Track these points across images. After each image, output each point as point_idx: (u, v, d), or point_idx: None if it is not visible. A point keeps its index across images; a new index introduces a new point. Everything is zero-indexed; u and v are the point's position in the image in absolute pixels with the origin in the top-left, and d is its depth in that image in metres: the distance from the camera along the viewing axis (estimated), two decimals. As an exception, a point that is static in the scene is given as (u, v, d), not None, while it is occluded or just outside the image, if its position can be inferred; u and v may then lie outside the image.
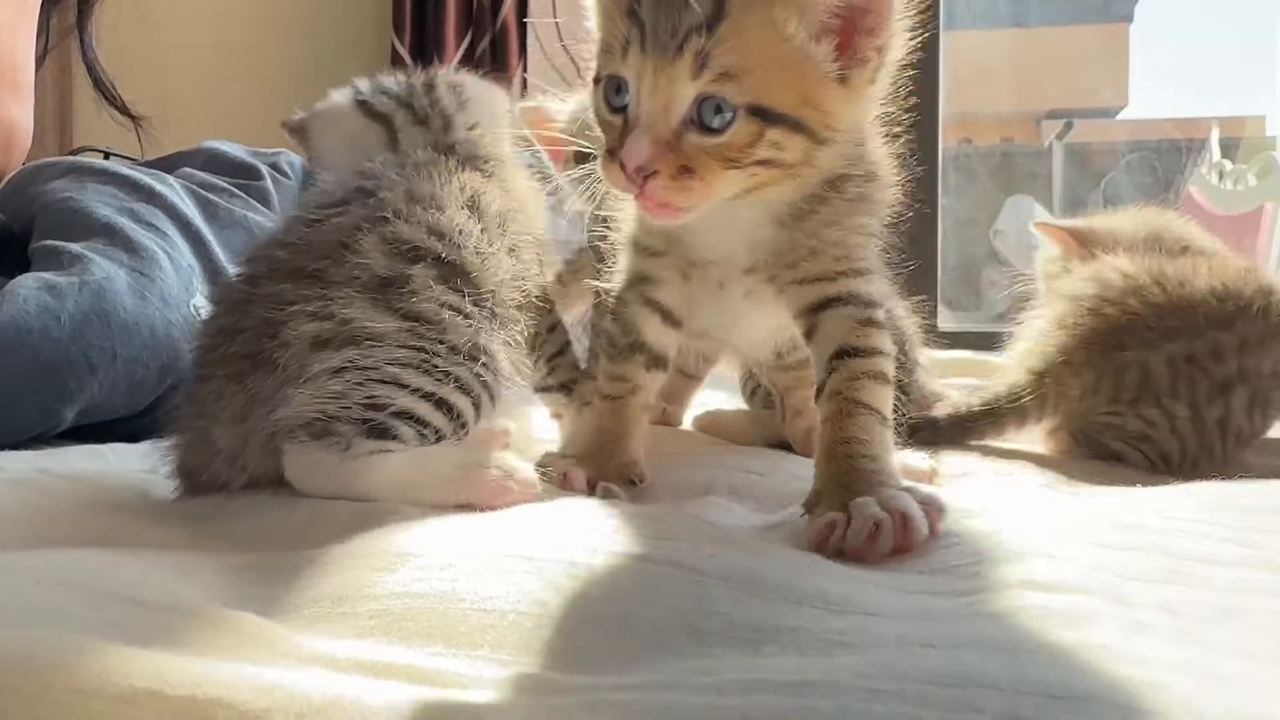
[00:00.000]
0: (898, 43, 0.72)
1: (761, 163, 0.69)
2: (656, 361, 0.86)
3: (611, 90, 0.71)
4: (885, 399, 0.75)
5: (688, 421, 1.19)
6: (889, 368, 0.77)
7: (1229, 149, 3.37)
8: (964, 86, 3.15)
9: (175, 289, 1.14)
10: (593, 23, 0.75)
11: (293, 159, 1.56)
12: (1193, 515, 0.70)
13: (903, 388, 1.03)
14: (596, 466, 0.82)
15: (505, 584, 0.52)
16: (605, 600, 0.50)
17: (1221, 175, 3.22)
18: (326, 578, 0.57)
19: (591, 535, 0.59)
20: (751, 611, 0.50)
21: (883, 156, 0.81)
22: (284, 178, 1.50)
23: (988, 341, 1.73)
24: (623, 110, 0.70)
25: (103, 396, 1.08)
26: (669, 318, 0.85)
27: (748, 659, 0.46)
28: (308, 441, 0.73)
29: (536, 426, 1.08)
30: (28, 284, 1.07)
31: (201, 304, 1.17)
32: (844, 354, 0.76)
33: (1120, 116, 3.99)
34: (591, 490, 0.79)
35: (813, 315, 0.79)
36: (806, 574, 0.56)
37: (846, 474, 0.69)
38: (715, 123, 0.67)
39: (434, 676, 0.44)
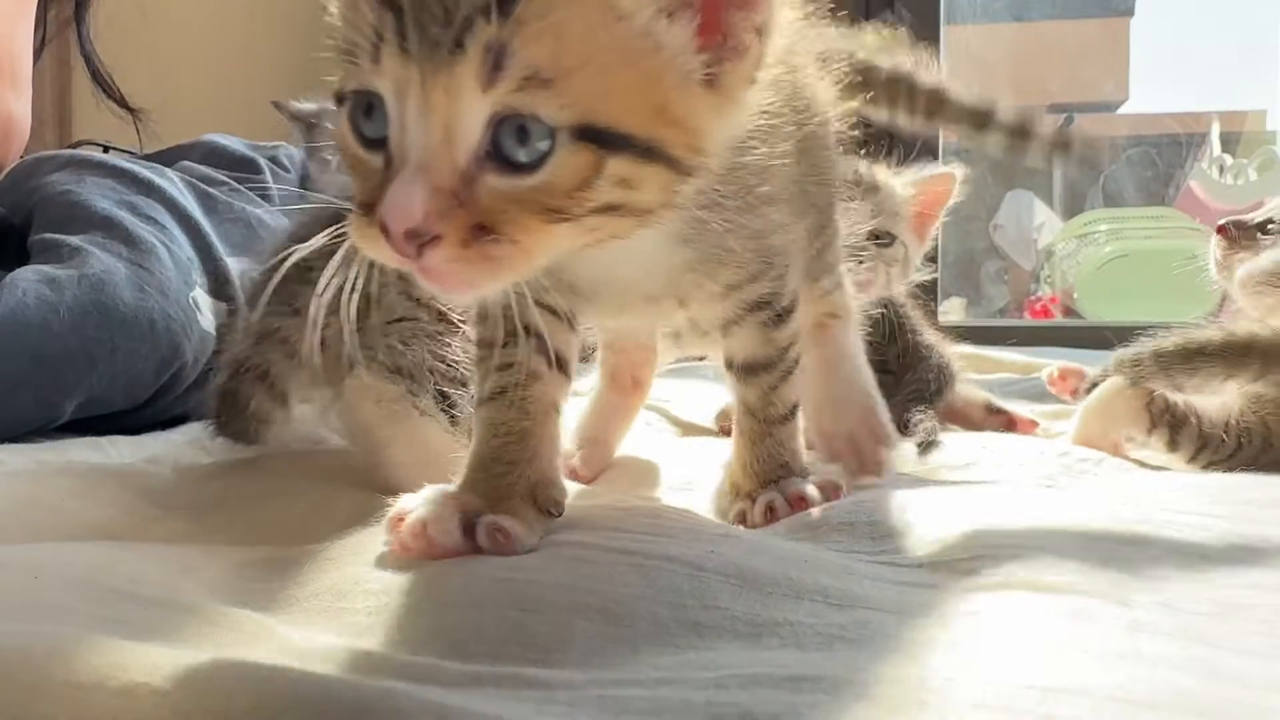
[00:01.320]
0: (785, 21, 0.54)
1: (603, 210, 0.49)
2: (555, 358, 0.65)
3: (360, 114, 0.49)
4: (791, 393, 0.73)
5: (696, 415, 1.20)
6: (794, 348, 0.72)
7: (1229, 143, 3.37)
8: (965, 81, 3.14)
9: (174, 282, 1.14)
10: (332, 13, 0.51)
11: (292, 153, 1.55)
12: (1194, 508, 0.70)
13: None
14: (486, 495, 0.60)
15: (500, 582, 0.51)
16: (602, 595, 0.50)
17: (1222, 169, 3.22)
18: (326, 573, 0.57)
19: (589, 531, 0.59)
20: (751, 606, 0.50)
21: (814, 89, 0.71)
22: (284, 171, 1.50)
23: (988, 336, 1.73)
24: (381, 144, 0.49)
25: (102, 389, 1.08)
26: (559, 316, 0.68)
27: (748, 653, 0.46)
28: (387, 375, 0.77)
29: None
30: (27, 276, 1.07)
31: (200, 297, 1.17)
32: (753, 369, 0.71)
33: (1121, 111, 3.99)
34: (468, 533, 0.57)
35: (724, 326, 0.71)
36: (805, 568, 0.55)
37: (759, 475, 0.73)
38: (523, 155, 0.47)
39: (433, 673, 0.44)
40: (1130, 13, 3.89)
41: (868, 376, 0.91)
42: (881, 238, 1.12)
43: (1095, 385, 1.04)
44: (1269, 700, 0.41)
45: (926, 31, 2.41)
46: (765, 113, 0.58)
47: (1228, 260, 1.16)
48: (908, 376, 1.12)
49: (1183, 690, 0.40)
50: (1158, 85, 4.14)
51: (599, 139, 0.47)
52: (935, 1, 2.27)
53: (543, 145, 0.47)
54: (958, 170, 1.18)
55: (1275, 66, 3.17)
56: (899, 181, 1.18)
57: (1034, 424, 1.20)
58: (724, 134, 0.54)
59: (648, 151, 0.49)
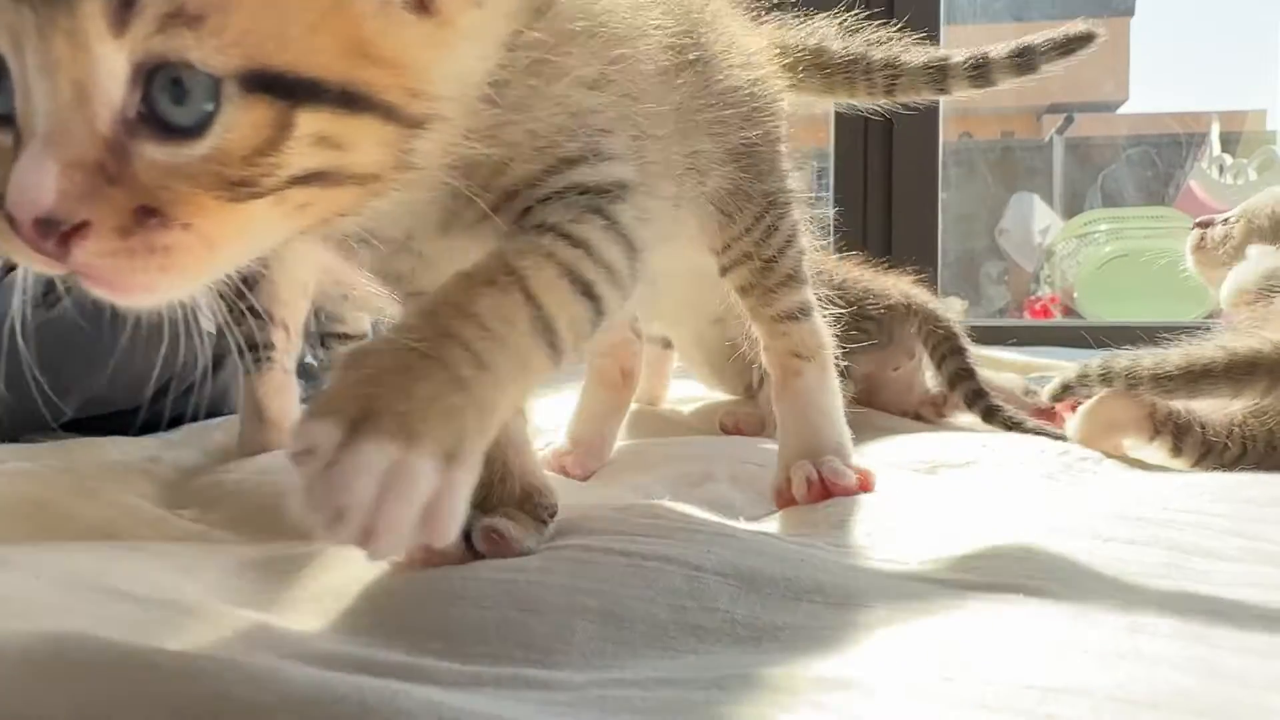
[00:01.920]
0: None
1: (307, 180, 0.40)
2: None
3: None
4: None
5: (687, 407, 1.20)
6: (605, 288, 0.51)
7: (1229, 143, 3.37)
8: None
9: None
10: None
11: None
12: (1194, 507, 0.70)
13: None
14: (480, 504, 0.58)
15: (500, 583, 0.52)
16: (601, 596, 0.50)
17: (1222, 169, 3.22)
18: (327, 573, 0.57)
19: (588, 533, 0.59)
20: (750, 608, 0.50)
21: (718, 28, 0.66)
22: None
23: (988, 336, 1.73)
24: (8, 119, 0.39)
25: (102, 389, 1.08)
26: None
27: (747, 656, 0.46)
28: None
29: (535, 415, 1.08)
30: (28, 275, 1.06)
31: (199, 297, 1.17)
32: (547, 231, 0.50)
33: (1121, 111, 3.99)
34: (467, 541, 0.56)
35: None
36: (803, 568, 0.55)
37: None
38: (183, 116, 0.38)
39: (432, 673, 0.44)
40: (1130, 12, 3.89)
41: (839, 431, 0.80)
42: None
43: (1066, 387, 1.02)
44: (1269, 700, 0.40)
45: (926, 31, 2.41)
46: (532, 44, 0.48)
47: (1198, 254, 1.24)
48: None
49: (1183, 690, 0.40)
50: (1158, 85, 4.14)
51: (278, 88, 0.38)
52: (935, 1, 2.27)
53: (206, 102, 0.37)
54: None
55: (1275, 66, 3.17)
56: None
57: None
58: (455, 72, 0.44)
59: (348, 100, 0.39)
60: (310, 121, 0.39)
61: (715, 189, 0.74)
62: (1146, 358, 0.95)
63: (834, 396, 0.81)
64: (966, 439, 1.05)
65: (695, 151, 0.67)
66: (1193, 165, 3.39)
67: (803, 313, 0.80)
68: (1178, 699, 0.39)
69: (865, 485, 0.77)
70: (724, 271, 0.80)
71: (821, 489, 0.75)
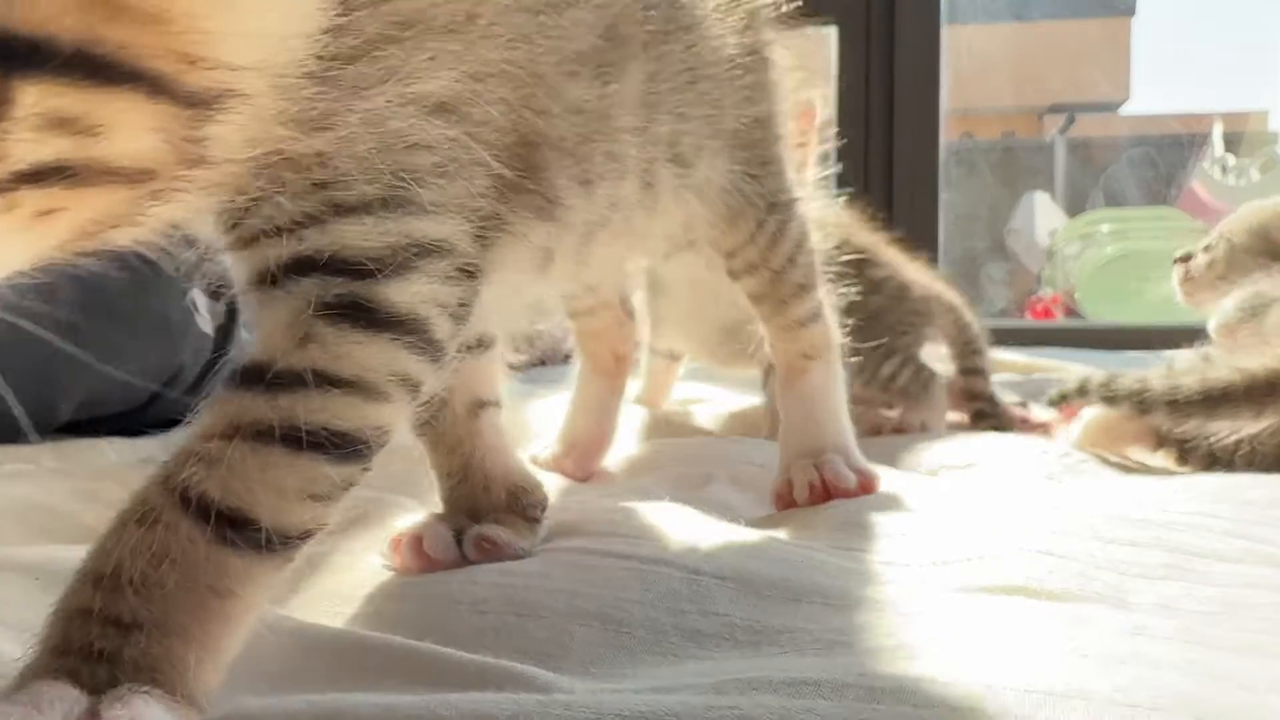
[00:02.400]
0: None
1: (45, 177, 0.30)
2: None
3: None
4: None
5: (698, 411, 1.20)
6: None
7: (1231, 143, 3.37)
8: (966, 81, 3.14)
9: (172, 282, 1.14)
10: None
11: None
12: (1194, 509, 0.70)
13: None
14: (470, 511, 0.59)
15: (499, 587, 0.51)
16: (600, 600, 0.50)
17: (1224, 170, 3.22)
18: (330, 576, 0.57)
19: (587, 535, 0.59)
20: (749, 611, 0.50)
21: None
22: None
23: (990, 337, 1.72)
24: None
25: (100, 390, 1.08)
26: None
27: (747, 660, 0.46)
28: None
29: (532, 418, 1.08)
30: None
31: (198, 298, 1.17)
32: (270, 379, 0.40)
33: (1123, 111, 3.98)
34: (457, 543, 0.57)
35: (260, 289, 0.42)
36: (803, 570, 0.55)
37: None
38: None
39: (432, 675, 0.44)
40: (1131, 12, 3.89)
41: (843, 430, 0.79)
42: None
43: (1064, 396, 1.01)
44: (1271, 702, 0.40)
45: (927, 31, 2.41)
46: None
47: (1186, 286, 1.24)
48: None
49: (1183, 693, 0.40)
50: (1160, 85, 4.14)
51: None
52: (935, 0, 2.27)
53: None
54: (816, 97, 1.03)
55: (1278, 67, 3.17)
56: None
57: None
58: (259, 28, 0.33)
59: (93, 67, 0.29)
60: (37, 96, 0.28)
61: (707, 181, 0.68)
62: (1156, 380, 0.93)
63: (840, 395, 0.80)
64: (968, 441, 1.05)
65: (674, 132, 0.60)
66: (1195, 166, 3.39)
67: (814, 317, 0.79)
68: (1179, 702, 0.39)
69: (867, 487, 0.76)
70: (733, 277, 0.77)
71: (823, 491, 0.74)
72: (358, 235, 0.40)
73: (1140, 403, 0.93)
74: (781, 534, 0.67)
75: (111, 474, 0.87)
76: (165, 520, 0.37)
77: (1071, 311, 3.23)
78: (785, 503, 0.76)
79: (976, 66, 3.45)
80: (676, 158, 0.62)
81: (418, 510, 0.67)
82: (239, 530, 0.37)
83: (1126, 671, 0.42)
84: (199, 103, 0.32)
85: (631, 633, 0.48)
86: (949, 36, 2.34)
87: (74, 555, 0.58)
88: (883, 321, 1.10)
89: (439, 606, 0.50)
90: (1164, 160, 3.56)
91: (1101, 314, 3.09)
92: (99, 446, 1.02)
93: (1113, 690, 0.40)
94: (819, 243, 0.80)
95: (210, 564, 0.36)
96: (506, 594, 0.51)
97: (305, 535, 0.39)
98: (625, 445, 0.99)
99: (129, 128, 0.31)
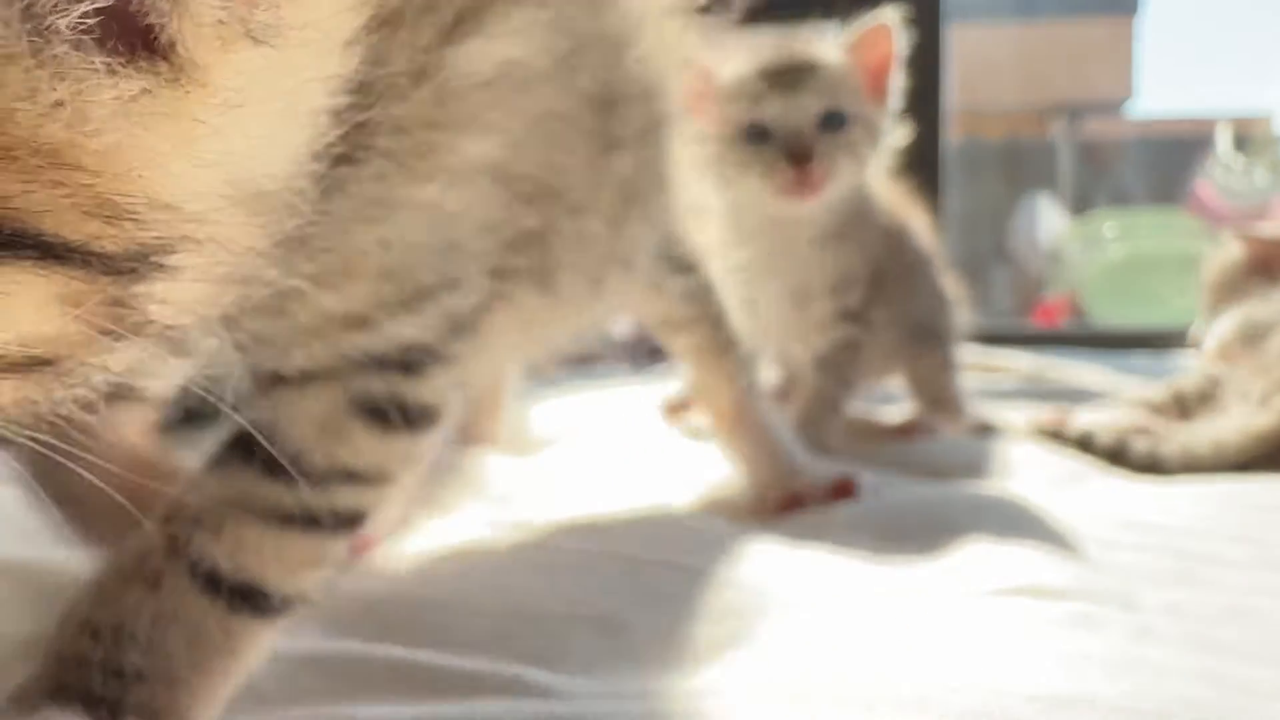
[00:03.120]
0: None
1: None
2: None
3: None
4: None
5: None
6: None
7: (1238, 145, 3.36)
8: (970, 81, 3.14)
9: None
10: None
11: None
12: (1202, 514, 0.69)
13: None
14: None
15: (498, 589, 0.51)
16: (600, 603, 0.50)
17: (1229, 171, 3.21)
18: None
19: (586, 537, 0.59)
20: (751, 614, 0.50)
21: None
22: None
23: (993, 338, 1.72)
24: None
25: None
26: None
27: (747, 662, 0.45)
28: None
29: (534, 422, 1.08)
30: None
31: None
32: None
33: (1129, 112, 3.98)
34: None
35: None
36: (806, 574, 0.55)
37: None
38: None
39: (430, 678, 0.43)
40: (1136, 10, 3.88)
41: (795, 448, 0.78)
42: (832, 119, 0.91)
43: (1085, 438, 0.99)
44: (1276, 709, 0.40)
45: (929, 30, 2.40)
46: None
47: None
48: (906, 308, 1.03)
49: (1190, 699, 0.40)
50: (1165, 86, 4.14)
51: None
52: (939, 1, 2.27)
53: None
54: (890, 15, 0.95)
55: (1283, 67, 3.16)
56: (828, 48, 0.95)
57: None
58: (221, 161, 0.25)
59: None
60: None
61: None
62: (1170, 450, 0.91)
63: (776, 412, 0.81)
64: (974, 446, 1.04)
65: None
66: (1201, 167, 3.38)
67: (743, 359, 0.78)
68: (1184, 707, 0.39)
69: (843, 490, 0.75)
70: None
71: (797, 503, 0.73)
72: (415, 327, 0.39)
73: (1152, 466, 0.92)
74: (787, 538, 0.67)
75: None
76: (170, 585, 0.38)
77: (1078, 313, 3.23)
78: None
79: (981, 67, 3.45)
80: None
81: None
82: (248, 600, 0.38)
83: (1133, 676, 0.42)
84: (129, 270, 0.25)
85: (630, 635, 0.48)
86: (952, 36, 2.33)
87: (74, 558, 0.59)
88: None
89: (437, 609, 0.50)
90: (1170, 161, 3.56)
91: (1107, 315, 3.08)
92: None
93: (1119, 695, 0.39)
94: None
95: (219, 629, 0.38)
96: (504, 597, 0.50)
97: (304, 595, 0.40)
98: (624, 448, 0.98)
99: (17, 306, 0.23)
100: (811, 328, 0.98)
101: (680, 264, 0.71)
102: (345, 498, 0.39)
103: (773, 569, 0.55)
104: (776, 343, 1.02)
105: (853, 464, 0.91)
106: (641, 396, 1.20)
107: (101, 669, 0.37)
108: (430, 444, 0.41)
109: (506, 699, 0.41)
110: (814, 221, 0.94)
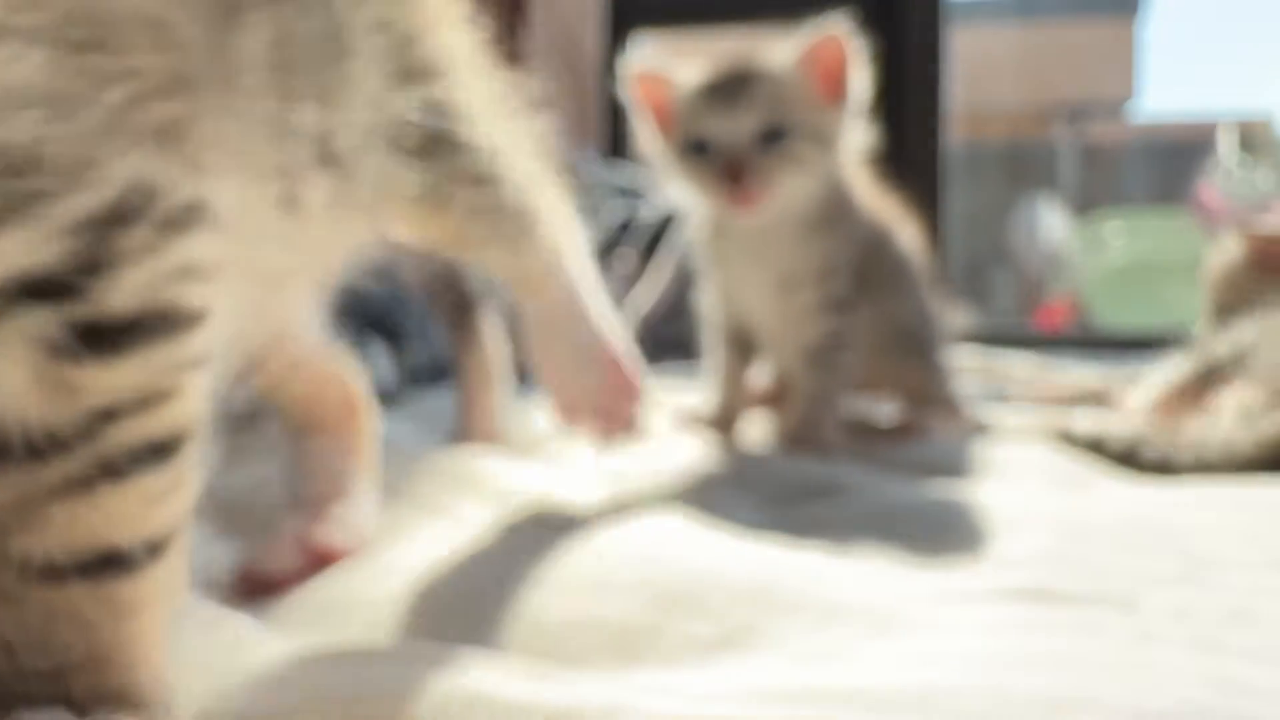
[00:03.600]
0: None
1: None
2: None
3: None
4: None
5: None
6: None
7: (1240, 147, 3.36)
8: (972, 83, 3.13)
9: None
10: None
11: None
12: (1208, 515, 0.69)
13: None
14: None
15: (492, 586, 0.51)
16: (600, 604, 0.50)
17: (1231, 173, 3.21)
18: (329, 582, 0.56)
19: (585, 538, 0.59)
20: (752, 617, 0.49)
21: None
22: None
23: (996, 339, 1.72)
24: None
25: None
26: None
27: (748, 665, 0.45)
28: None
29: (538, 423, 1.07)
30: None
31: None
32: None
33: (1132, 114, 3.98)
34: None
35: None
36: (806, 576, 0.55)
37: None
38: None
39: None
40: (1136, 11, 3.88)
41: (604, 325, 0.70)
42: (770, 134, 0.91)
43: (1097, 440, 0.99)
44: (1282, 711, 0.40)
45: (930, 32, 2.40)
46: None
47: None
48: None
49: (1193, 702, 0.39)
50: (1167, 88, 4.14)
51: None
52: (940, 1, 2.27)
53: None
54: (838, 23, 0.93)
55: (1285, 69, 3.16)
56: (776, 57, 0.94)
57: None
58: None
59: None
60: None
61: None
62: (1214, 446, 0.91)
63: (589, 278, 0.71)
64: (978, 446, 1.04)
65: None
66: (1203, 169, 3.38)
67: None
68: (1190, 709, 0.39)
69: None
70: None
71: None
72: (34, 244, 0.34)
73: (1164, 468, 0.92)
74: (788, 538, 0.67)
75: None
76: (24, 592, 0.35)
77: (1080, 315, 3.23)
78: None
79: (983, 68, 3.45)
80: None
81: (410, 519, 0.66)
82: (108, 565, 0.35)
83: (1136, 678, 0.41)
84: None
85: (630, 635, 0.47)
86: (953, 38, 2.33)
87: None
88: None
89: (437, 616, 0.50)
90: (1172, 163, 3.56)
91: (1110, 317, 3.08)
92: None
93: (1122, 697, 0.39)
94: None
95: (102, 604, 0.35)
96: (501, 597, 0.50)
97: (173, 529, 0.37)
98: (624, 451, 0.98)
99: None
100: (800, 317, 0.98)
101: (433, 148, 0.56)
102: (126, 432, 0.35)
103: (772, 569, 0.55)
104: (767, 336, 1.02)
105: (850, 464, 0.92)
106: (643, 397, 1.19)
107: (21, 676, 0.35)
108: (196, 342, 0.36)
109: (507, 699, 0.41)
110: (787, 217, 0.95)
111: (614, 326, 0.71)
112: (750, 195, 0.90)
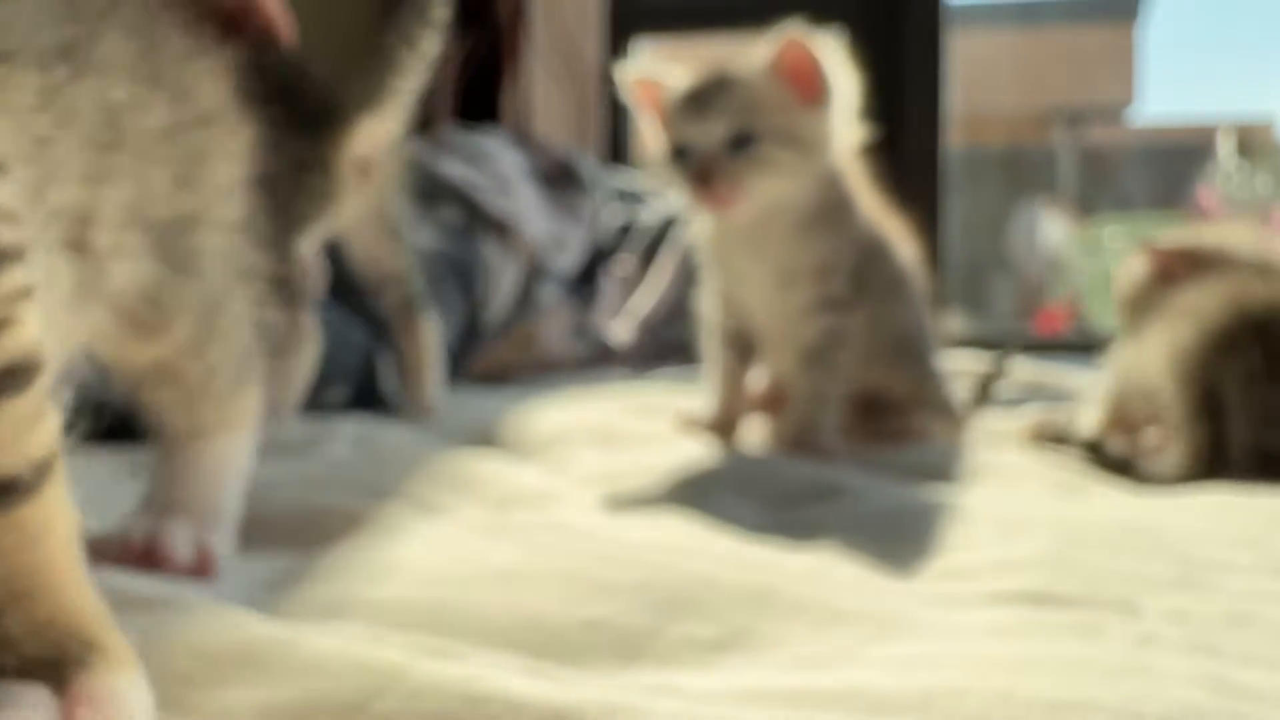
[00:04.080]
0: None
1: None
2: None
3: None
4: None
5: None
6: None
7: (1239, 151, 3.37)
8: (972, 87, 3.14)
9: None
10: None
11: None
12: (1205, 519, 0.69)
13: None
14: None
15: (492, 586, 0.51)
16: (600, 604, 0.50)
17: (1231, 177, 3.21)
18: (328, 583, 0.56)
19: (585, 538, 0.59)
20: (750, 617, 0.49)
21: None
22: None
23: (994, 344, 1.72)
24: None
25: (98, 392, 1.07)
26: None
27: (749, 667, 0.45)
28: None
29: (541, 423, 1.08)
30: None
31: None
32: None
33: (1131, 117, 3.99)
34: None
35: None
36: (808, 579, 0.55)
37: None
38: None
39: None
40: (1136, 16, 3.89)
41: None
42: (740, 140, 0.93)
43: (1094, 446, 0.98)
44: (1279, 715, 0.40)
45: (930, 36, 2.41)
46: None
47: None
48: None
49: (1193, 706, 0.39)
50: (1167, 92, 4.15)
51: None
52: (940, 5, 2.27)
53: None
54: (795, 27, 0.94)
55: (1284, 73, 3.17)
56: (749, 64, 0.96)
57: None
58: None
59: None
60: None
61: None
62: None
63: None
64: (976, 451, 1.04)
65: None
66: (1203, 173, 3.39)
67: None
68: (1187, 713, 0.39)
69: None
70: None
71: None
72: None
73: (1159, 478, 0.91)
74: (788, 541, 0.67)
75: (106, 482, 0.87)
76: None
77: (1079, 318, 3.23)
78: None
79: (981, 72, 3.45)
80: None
81: (412, 521, 0.66)
82: (4, 492, 0.37)
83: (1135, 682, 0.42)
84: None
85: (629, 635, 0.47)
86: (953, 41, 2.34)
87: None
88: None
89: (436, 615, 0.50)
90: (1171, 167, 3.56)
91: (1110, 322, 3.08)
92: (98, 448, 1.01)
93: (1121, 701, 0.39)
94: None
95: (11, 531, 0.37)
96: (501, 597, 0.50)
97: (52, 452, 0.39)
98: (625, 454, 0.98)
99: None
100: (798, 315, 0.98)
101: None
102: None
103: (773, 572, 0.55)
104: (765, 336, 1.02)
105: (848, 467, 0.92)
106: (644, 400, 1.20)
107: None
108: (18, 275, 0.38)
109: (507, 699, 0.41)
110: (780, 213, 0.96)
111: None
112: (719, 198, 0.93)
